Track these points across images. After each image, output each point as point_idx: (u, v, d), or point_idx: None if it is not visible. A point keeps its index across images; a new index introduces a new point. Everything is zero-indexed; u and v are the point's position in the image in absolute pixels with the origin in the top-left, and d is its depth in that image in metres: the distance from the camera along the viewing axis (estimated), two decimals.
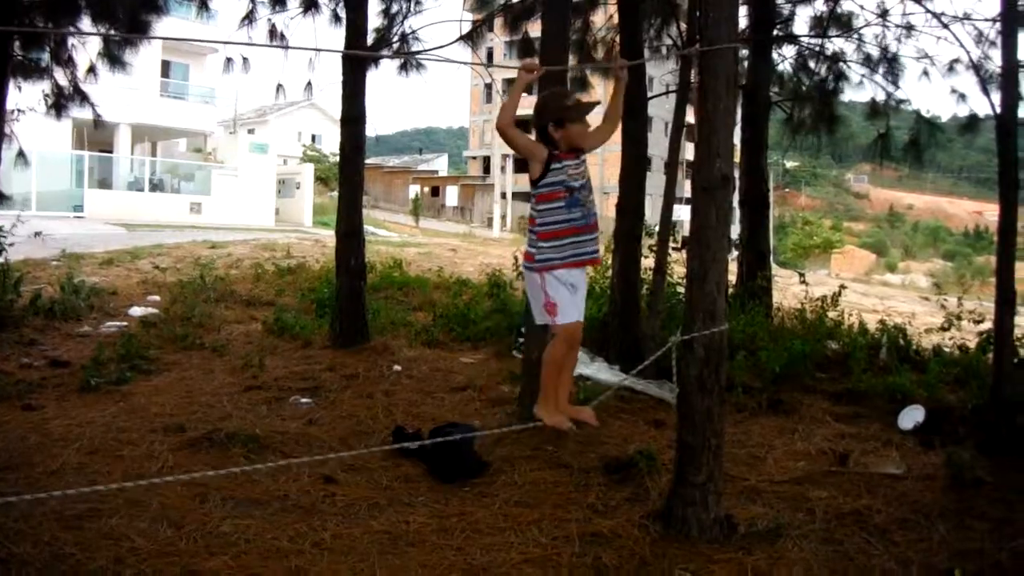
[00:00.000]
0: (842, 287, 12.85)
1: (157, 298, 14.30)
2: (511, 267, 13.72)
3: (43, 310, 12.38)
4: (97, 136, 32.94)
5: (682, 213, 17.18)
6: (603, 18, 14.29)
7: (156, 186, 38.17)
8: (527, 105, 4.39)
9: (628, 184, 10.22)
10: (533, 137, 4.63)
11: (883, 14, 13.54)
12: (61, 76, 14.10)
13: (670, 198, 10.02)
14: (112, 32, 13.22)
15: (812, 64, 14.83)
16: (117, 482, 6.19)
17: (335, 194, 47.85)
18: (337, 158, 12.89)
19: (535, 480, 6.42)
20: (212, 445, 7.00)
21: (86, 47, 14.41)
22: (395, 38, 13.12)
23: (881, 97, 14.11)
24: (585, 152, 4.59)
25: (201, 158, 41.76)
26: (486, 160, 71.01)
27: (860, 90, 14.45)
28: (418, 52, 13.36)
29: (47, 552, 4.98)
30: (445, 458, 6.55)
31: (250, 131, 57.09)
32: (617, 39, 12.44)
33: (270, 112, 64.48)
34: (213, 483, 6.13)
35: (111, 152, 37.52)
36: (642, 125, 10.31)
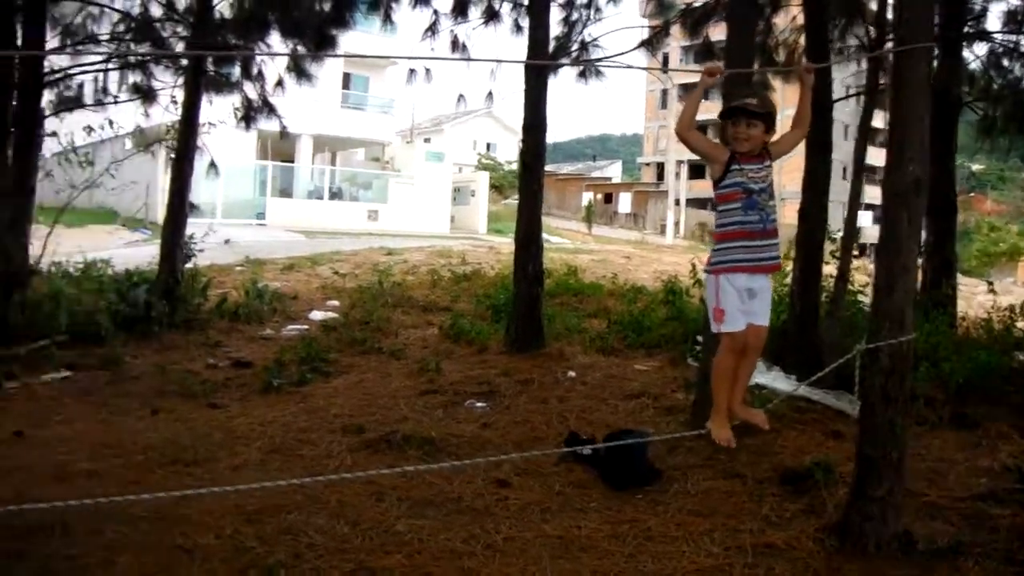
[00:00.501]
0: None
1: (336, 303, 14.66)
2: (687, 274, 13.52)
3: (228, 313, 12.92)
4: (280, 147, 34.12)
5: (863, 219, 16.69)
6: (785, 20, 13.97)
7: (335, 194, 39.26)
8: (707, 109, 4.32)
9: (811, 189, 9.92)
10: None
11: None
12: (251, 90, 14.68)
13: (854, 203, 9.73)
14: (299, 50, 13.71)
15: (1006, 62, 14.17)
16: (298, 479, 6.39)
17: (509, 202, 48.28)
18: (511, 166, 13.02)
19: (708, 489, 6.34)
20: (389, 446, 7.14)
21: (275, 61, 14.96)
22: (574, 46, 13.15)
23: None
24: (772, 157, 4.46)
25: (379, 167, 42.72)
26: (660, 166, 70.36)
27: None
28: (598, 60, 13.32)
29: (229, 544, 5.17)
30: (618, 465, 6.52)
31: (426, 140, 58.24)
32: (800, 41, 12.15)
33: (446, 121, 65.65)
34: (389, 483, 6.25)
35: (293, 162, 38.73)
36: (827, 129, 9.99)
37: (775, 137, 4.47)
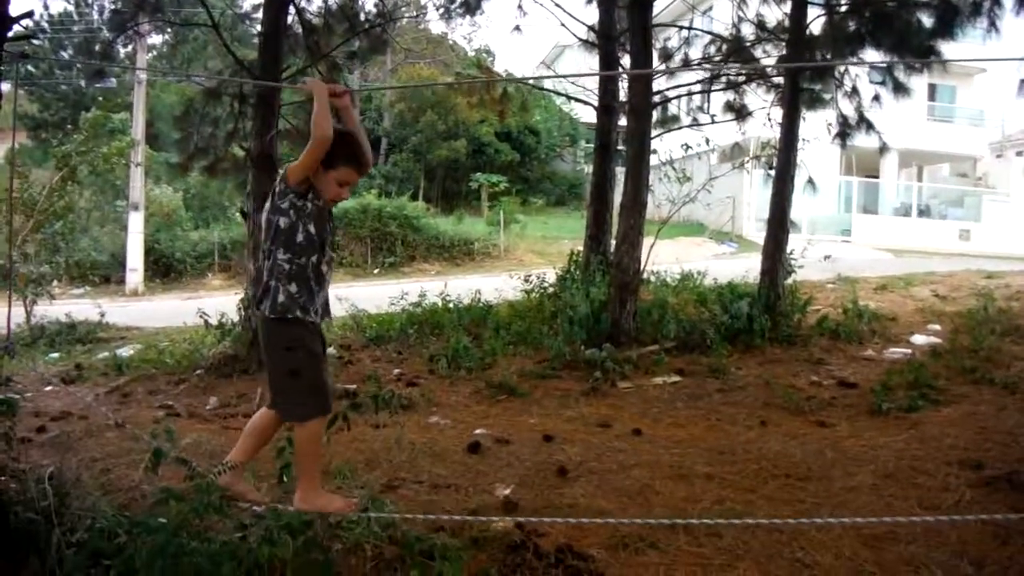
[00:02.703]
0: None
1: (937, 327, 14.08)
2: None
3: (828, 331, 12.88)
4: (863, 162, 33.60)
5: None
6: None
7: (922, 212, 37.87)
8: None
9: None
10: None
11: None
12: (846, 106, 14.67)
13: None
14: (897, 60, 13.45)
15: None
16: (912, 509, 6.23)
17: None
18: None
19: None
20: (1011, 487, 6.73)
21: (868, 76, 14.84)
22: None
23: None
24: None
25: (968, 183, 40.61)
26: None
27: None
28: None
29: (848, 566, 5.14)
30: None
31: (1019, 153, 54.32)
32: None
33: None
34: (1015, 526, 5.90)
35: (876, 177, 37.93)
36: None
37: None
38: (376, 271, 29.75)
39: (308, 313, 4.91)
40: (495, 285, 16.49)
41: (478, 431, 8.16)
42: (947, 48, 13.00)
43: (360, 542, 4.72)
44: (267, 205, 4.97)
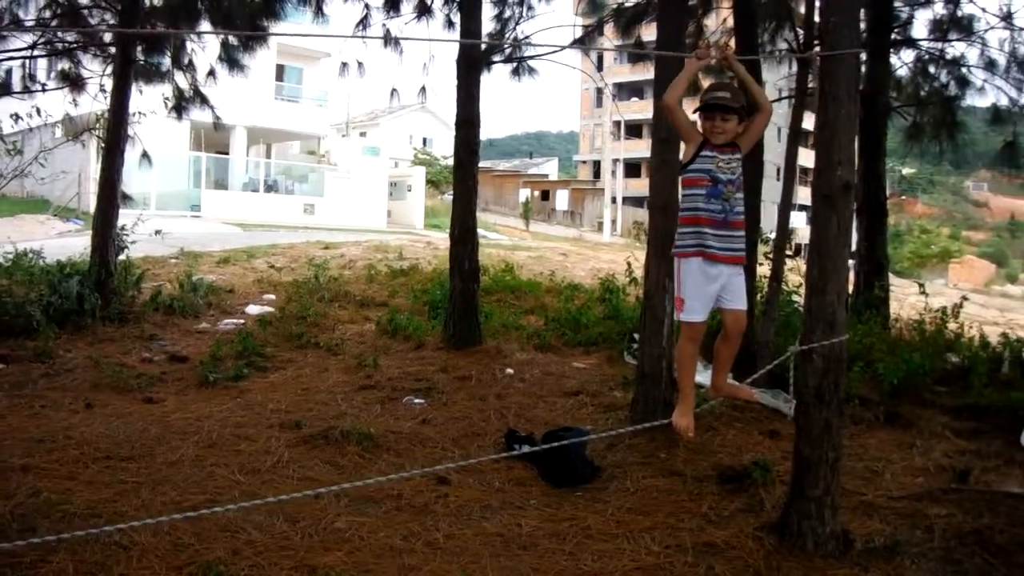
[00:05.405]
0: (964, 298, 12.18)
1: (273, 297, 14.56)
2: (623, 272, 13.66)
3: (163, 306, 12.76)
4: (213, 138, 33.74)
5: (796, 220, 16.65)
6: (716, 22, 14.14)
7: (271, 187, 38.97)
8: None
9: (743, 190, 10.00)
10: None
11: (1007, 17, 13.19)
12: (182, 79, 14.54)
13: (786, 205, 9.84)
14: (230, 39, 13.59)
15: (932, 69, 14.46)
16: (233, 475, 6.35)
17: (446, 197, 48.18)
18: (448, 161, 13.01)
19: (647, 487, 6.40)
20: (327, 442, 7.12)
21: (205, 51, 14.81)
22: (507, 43, 13.20)
23: (1004, 102, 13.71)
24: (742, 149, 4.60)
25: (314, 160, 42.44)
26: (596, 164, 70.74)
27: (983, 95, 14.04)
28: (530, 56, 13.38)
29: (166, 541, 5.10)
30: (557, 463, 6.56)
31: (362, 134, 57.99)
32: (731, 43, 12.31)
33: (381, 115, 65.23)
34: (328, 479, 6.24)
35: (227, 154, 38.33)
36: None
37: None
38: None
39: None
40: None
41: None
42: (282, 28, 13.32)
43: None
44: None
